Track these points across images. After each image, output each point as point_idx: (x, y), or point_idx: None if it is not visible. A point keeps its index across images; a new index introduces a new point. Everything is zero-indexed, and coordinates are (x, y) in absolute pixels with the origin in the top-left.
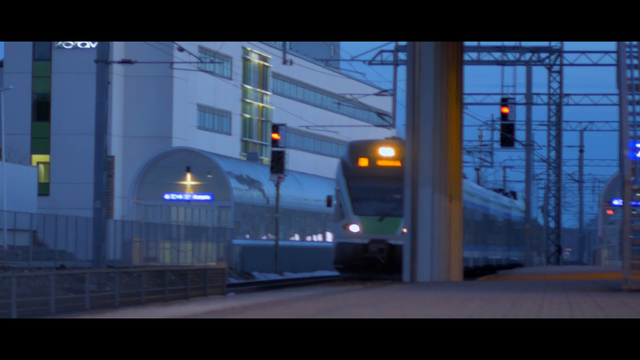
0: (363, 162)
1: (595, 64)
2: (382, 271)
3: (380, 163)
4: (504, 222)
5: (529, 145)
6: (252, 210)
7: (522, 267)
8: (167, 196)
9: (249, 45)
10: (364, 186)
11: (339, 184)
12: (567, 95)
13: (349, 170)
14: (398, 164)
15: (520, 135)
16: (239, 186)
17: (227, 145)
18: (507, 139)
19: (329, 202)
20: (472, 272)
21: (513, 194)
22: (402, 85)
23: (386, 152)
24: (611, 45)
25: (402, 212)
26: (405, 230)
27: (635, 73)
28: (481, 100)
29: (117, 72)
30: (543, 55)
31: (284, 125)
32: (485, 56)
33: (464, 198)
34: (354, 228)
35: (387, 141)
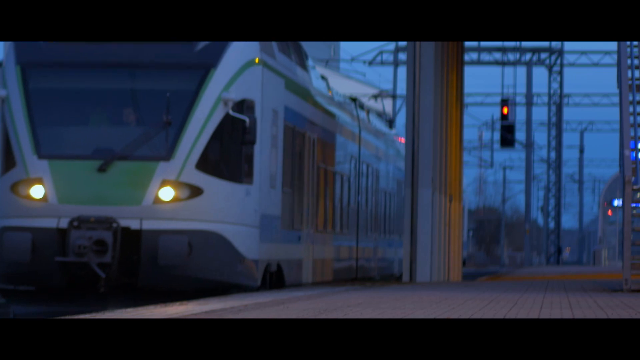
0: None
1: (596, 64)
2: (110, 291)
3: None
4: (352, 180)
5: (529, 145)
6: None
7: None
8: None
9: None
10: (64, 88)
11: (7, 85)
12: (568, 95)
13: (28, 50)
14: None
15: (520, 135)
16: None
17: None
18: (507, 139)
19: None
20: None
21: (389, 123)
22: (402, 85)
23: None
24: (611, 46)
25: (167, 148)
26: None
27: (636, 73)
28: (481, 100)
29: None
30: (543, 55)
31: None
32: (485, 56)
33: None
34: (37, 192)
35: None
